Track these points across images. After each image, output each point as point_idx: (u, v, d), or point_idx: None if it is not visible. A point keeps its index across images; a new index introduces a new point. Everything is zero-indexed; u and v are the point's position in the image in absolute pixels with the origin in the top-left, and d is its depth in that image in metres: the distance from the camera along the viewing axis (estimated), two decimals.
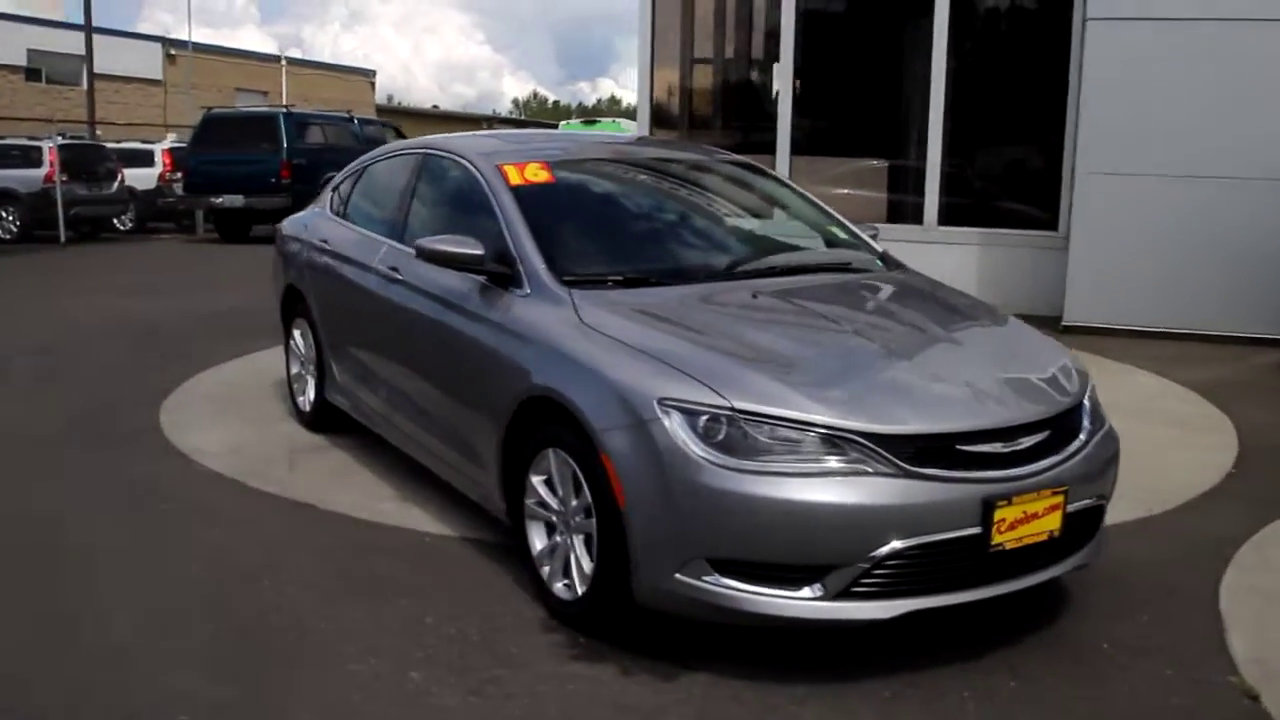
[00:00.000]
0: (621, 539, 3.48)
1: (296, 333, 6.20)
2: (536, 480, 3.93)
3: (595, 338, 3.77)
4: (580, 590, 3.72)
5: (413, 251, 4.71)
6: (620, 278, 4.19)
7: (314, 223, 6.02)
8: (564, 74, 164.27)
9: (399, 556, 4.40)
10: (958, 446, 3.39)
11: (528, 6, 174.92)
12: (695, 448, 3.33)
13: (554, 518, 3.88)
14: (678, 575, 3.38)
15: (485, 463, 4.23)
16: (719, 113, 11.63)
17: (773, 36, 10.60)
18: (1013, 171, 10.42)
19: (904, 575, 3.33)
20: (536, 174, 4.66)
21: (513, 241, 4.28)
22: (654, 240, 4.70)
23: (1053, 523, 3.52)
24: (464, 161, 4.85)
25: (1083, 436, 3.71)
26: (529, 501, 3.98)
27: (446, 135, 5.54)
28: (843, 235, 4.99)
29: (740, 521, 3.29)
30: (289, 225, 6.46)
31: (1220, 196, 8.56)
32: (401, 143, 5.94)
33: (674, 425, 3.37)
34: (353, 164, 6.18)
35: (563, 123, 29.38)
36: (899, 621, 3.36)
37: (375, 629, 3.77)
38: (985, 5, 10.59)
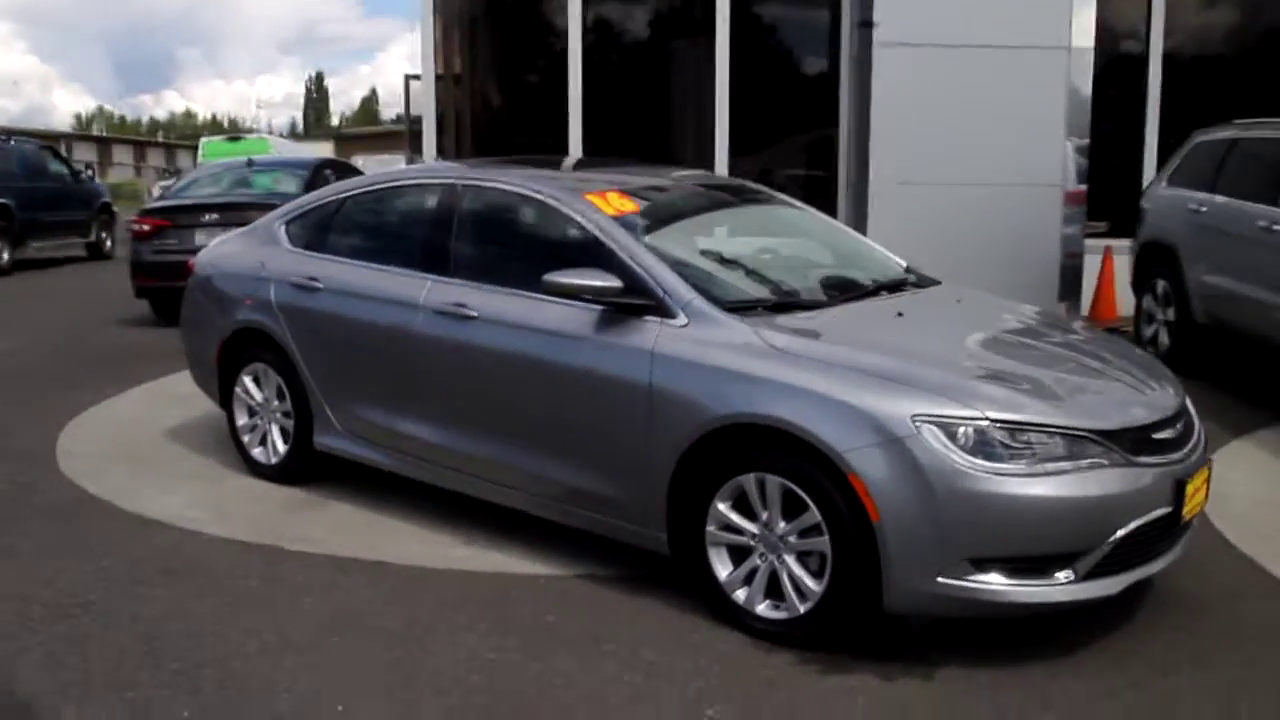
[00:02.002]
0: (871, 551, 3.63)
1: (248, 379, 5.64)
2: (724, 507, 3.96)
3: (801, 361, 3.87)
4: (802, 608, 3.81)
5: (490, 288, 4.59)
6: (771, 302, 4.30)
7: (276, 259, 5.49)
8: (122, 86, 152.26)
9: (544, 603, 4.21)
10: (1153, 436, 3.85)
11: (74, 14, 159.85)
12: (957, 458, 3.55)
13: (750, 542, 3.93)
14: (940, 578, 3.59)
15: (633, 495, 4.18)
16: (502, 130, 11.53)
17: (562, 53, 10.71)
18: (793, 184, 11.21)
19: (1127, 553, 3.74)
20: (624, 204, 4.63)
21: (647, 272, 4.24)
22: (762, 264, 4.80)
23: (1204, 495, 4.08)
24: (537, 195, 4.71)
25: (1196, 420, 4.29)
26: (711, 529, 4.00)
27: (466, 166, 5.30)
28: (877, 252, 5.31)
29: (1002, 521, 3.56)
30: (224, 263, 5.84)
31: (994, 202, 9.71)
32: (395, 174, 5.58)
33: (932, 439, 3.57)
34: (310, 196, 5.71)
35: (203, 141, 27.48)
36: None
37: (608, 677, 3.65)
38: (762, 26, 11.29)
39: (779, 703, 3.49)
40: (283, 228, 5.64)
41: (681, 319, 4.12)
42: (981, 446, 3.58)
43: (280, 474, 5.57)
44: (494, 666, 3.70)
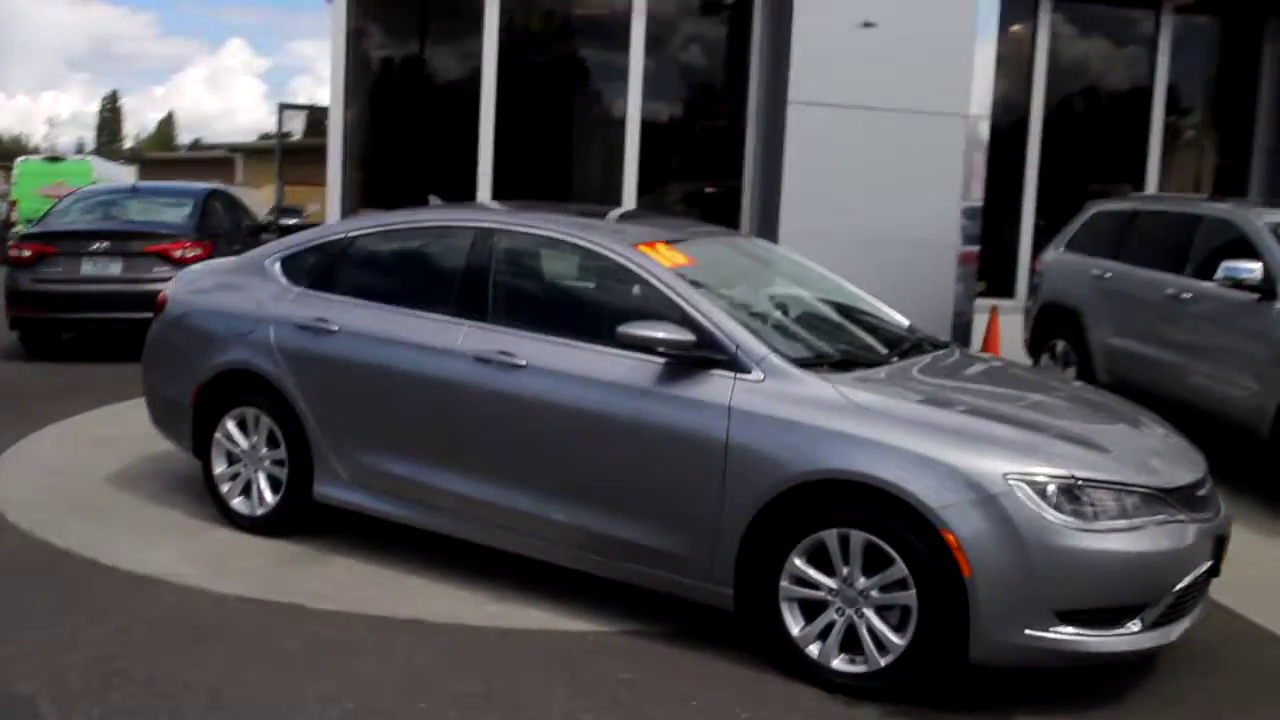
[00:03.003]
0: (960, 605, 3.76)
1: (231, 424, 5.35)
2: (800, 562, 4.02)
3: (886, 419, 3.98)
4: (883, 661, 3.90)
5: (538, 336, 4.54)
6: (833, 359, 4.41)
7: (275, 298, 5.24)
8: None
9: (609, 660, 4.16)
10: (1197, 493, 4.14)
11: None
12: (1049, 514, 3.73)
13: (826, 596, 4.00)
14: (1027, 630, 3.75)
15: (699, 550, 4.18)
16: (405, 160, 11.25)
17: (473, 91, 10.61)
18: None
19: (1179, 604, 3.99)
20: (675, 256, 4.66)
21: (717, 326, 4.28)
22: (804, 320, 4.89)
23: (1226, 551, 4.39)
24: (587, 244, 4.68)
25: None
26: (785, 584, 4.05)
27: (503, 210, 5.19)
28: (879, 308, 5.49)
29: (1087, 575, 3.76)
30: (204, 300, 5.53)
31: (900, 259, 10.15)
32: (415, 214, 5.38)
33: (1024, 496, 3.74)
34: (309, 234, 5.48)
35: (19, 161, 25.66)
36: None
37: None
38: (674, 77, 11.48)
39: None
40: (277, 265, 5.39)
41: (757, 374, 4.17)
42: (1068, 503, 3.77)
43: (264, 526, 5.30)
44: None
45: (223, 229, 10.74)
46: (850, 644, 3.99)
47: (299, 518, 5.26)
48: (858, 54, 9.98)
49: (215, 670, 3.91)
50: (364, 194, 10.75)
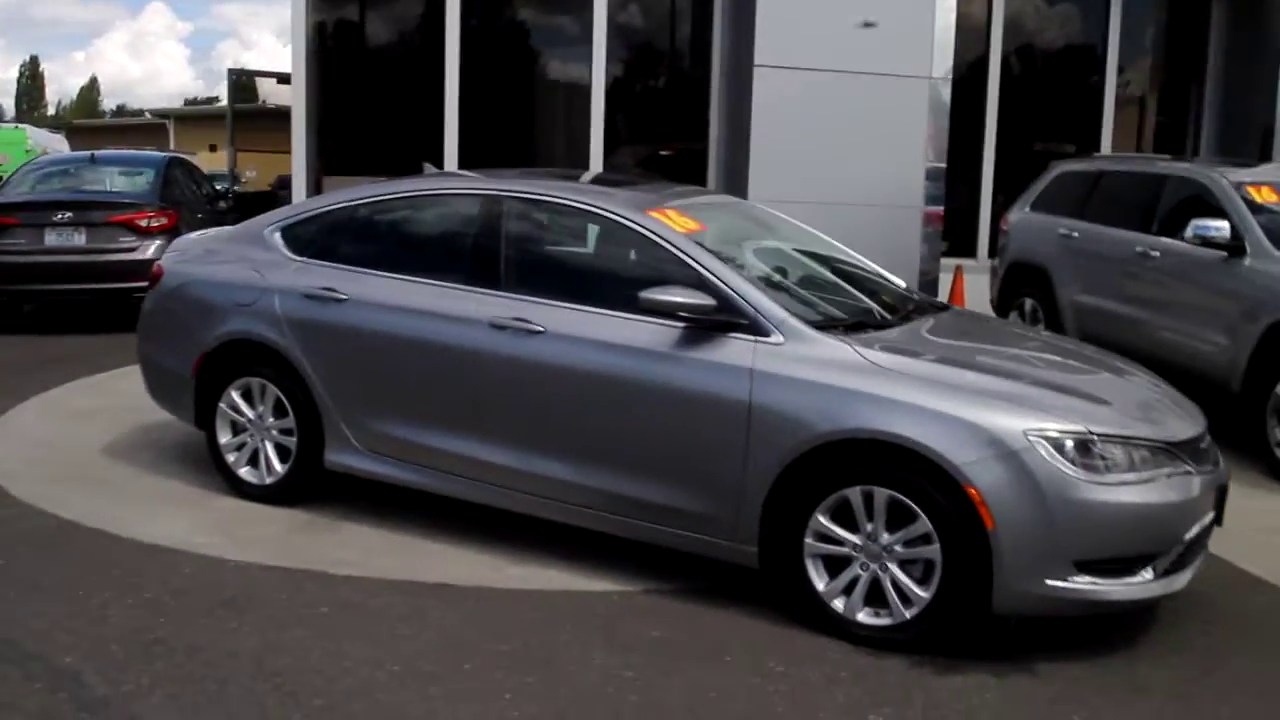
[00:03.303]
0: (983, 557, 3.90)
1: (235, 394, 5.32)
2: (824, 519, 4.14)
3: (908, 379, 4.09)
4: (908, 614, 4.04)
5: (554, 303, 4.58)
6: (847, 321, 4.51)
7: (278, 267, 5.21)
8: None
9: (637, 618, 4.25)
10: (1199, 446, 4.31)
11: None
12: (1067, 469, 3.87)
13: (850, 552, 4.12)
14: (1048, 580, 3.90)
15: (722, 510, 4.28)
16: (368, 128, 11.13)
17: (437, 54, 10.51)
18: None
19: (1186, 554, 4.17)
20: (687, 222, 4.72)
21: (736, 291, 4.35)
22: (813, 284, 4.97)
23: (1226, 502, 4.57)
24: (601, 210, 4.72)
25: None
26: (809, 540, 4.17)
27: (509, 177, 5.18)
28: (866, 269, 5.58)
29: (1105, 526, 3.92)
30: (201, 270, 5.48)
31: (866, 220, 10.26)
32: (424, 182, 5.35)
33: (1043, 452, 3.88)
34: (310, 202, 5.44)
35: None
36: None
37: (755, 688, 3.76)
38: (637, 41, 11.46)
39: (926, 703, 3.70)
40: (277, 234, 5.36)
41: (778, 337, 4.26)
42: (1084, 458, 3.91)
43: (273, 495, 5.30)
44: (640, 685, 3.73)
45: (185, 197, 10.57)
46: (874, 598, 4.12)
47: (309, 486, 5.27)
48: (822, 17, 10.07)
49: (253, 638, 3.94)
50: (324, 161, 10.65)
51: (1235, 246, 7.02)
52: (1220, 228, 7.07)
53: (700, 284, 4.39)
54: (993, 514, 3.87)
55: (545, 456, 4.64)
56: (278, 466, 5.29)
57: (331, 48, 10.42)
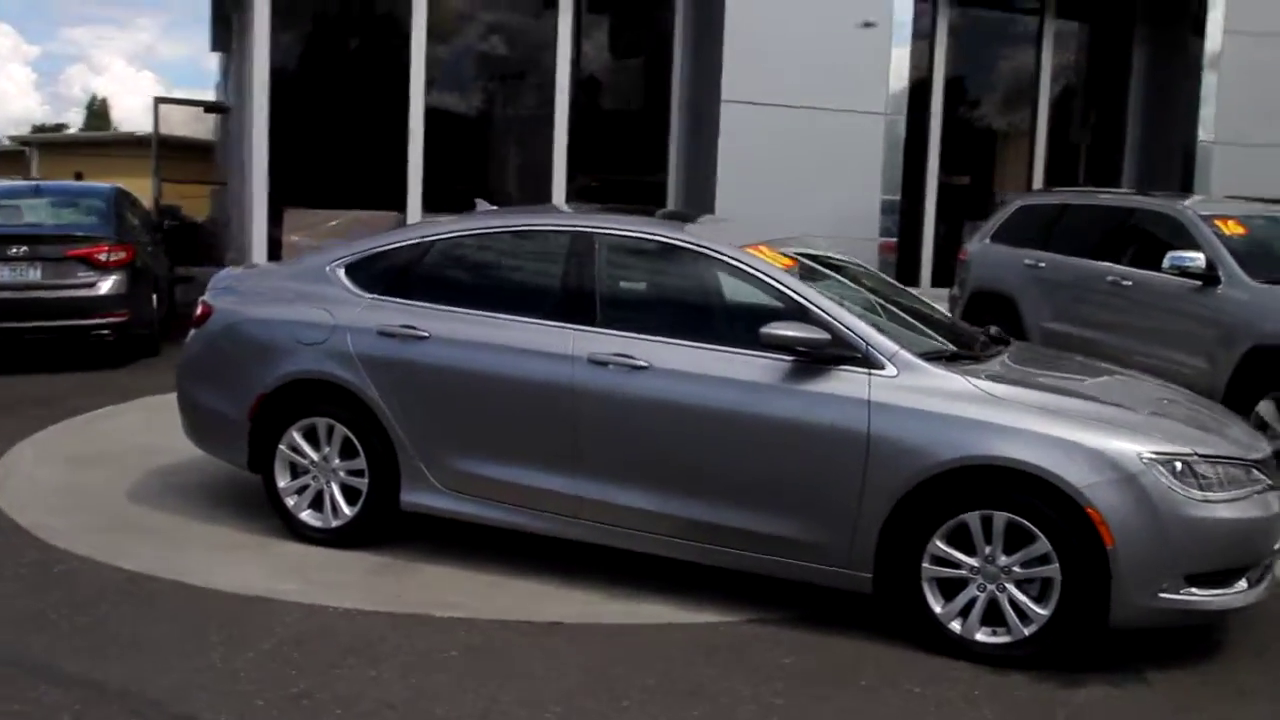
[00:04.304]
0: (1101, 575, 4.09)
1: (297, 435, 5.20)
2: (942, 544, 4.28)
3: (1023, 407, 4.28)
4: (1027, 631, 4.20)
5: (657, 339, 4.65)
6: (949, 353, 4.66)
7: (347, 305, 5.12)
8: None
9: (762, 648, 4.32)
10: (1271, 465, 4.60)
11: None
12: (1178, 488, 4.11)
13: (967, 574, 4.27)
14: (1162, 594, 4.12)
15: (837, 539, 4.38)
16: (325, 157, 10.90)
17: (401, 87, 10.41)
18: None
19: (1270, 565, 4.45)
20: (780, 258, 4.83)
21: (845, 325, 4.47)
22: (898, 318, 5.10)
23: None
24: (698, 247, 4.81)
25: None
26: (927, 565, 4.30)
27: (585, 214, 5.20)
28: (929, 304, 5.77)
29: (1210, 541, 4.17)
30: (258, 308, 5.34)
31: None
32: (502, 220, 5.31)
33: (1160, 474, 4.10)
34: (378, 240, 5.34)
35: None
36: None
37: (908, 710, 3.88)
38: (600, 76, 11.55)
39: (1069, 716, 3.86)
40: (341, 271, 5.27)
41: (891, 369, 4.39)
42: (1191, 478, 4.15)
43: (339, 538, 5.18)
44: (796, 713, 3.80)
45: (134, 229, 10.20)
46: (989, 618, 4.28)
47: (378, 528, 5.17)
48: (785, 54, 10.36)
49: (399, 687, 3.86)
50: (283, 192, 10.43)
51: (1210, 276, 7.48)
52: (1195, 258, 7.52)
53: (809, 319, 4.50)
54: (1112, 533, 4.07)
55: (647, 490, 4.67)
56: (345, 509, 5.17)
57: (291, 77, 10.23)
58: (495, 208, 6.07)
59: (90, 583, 4.71)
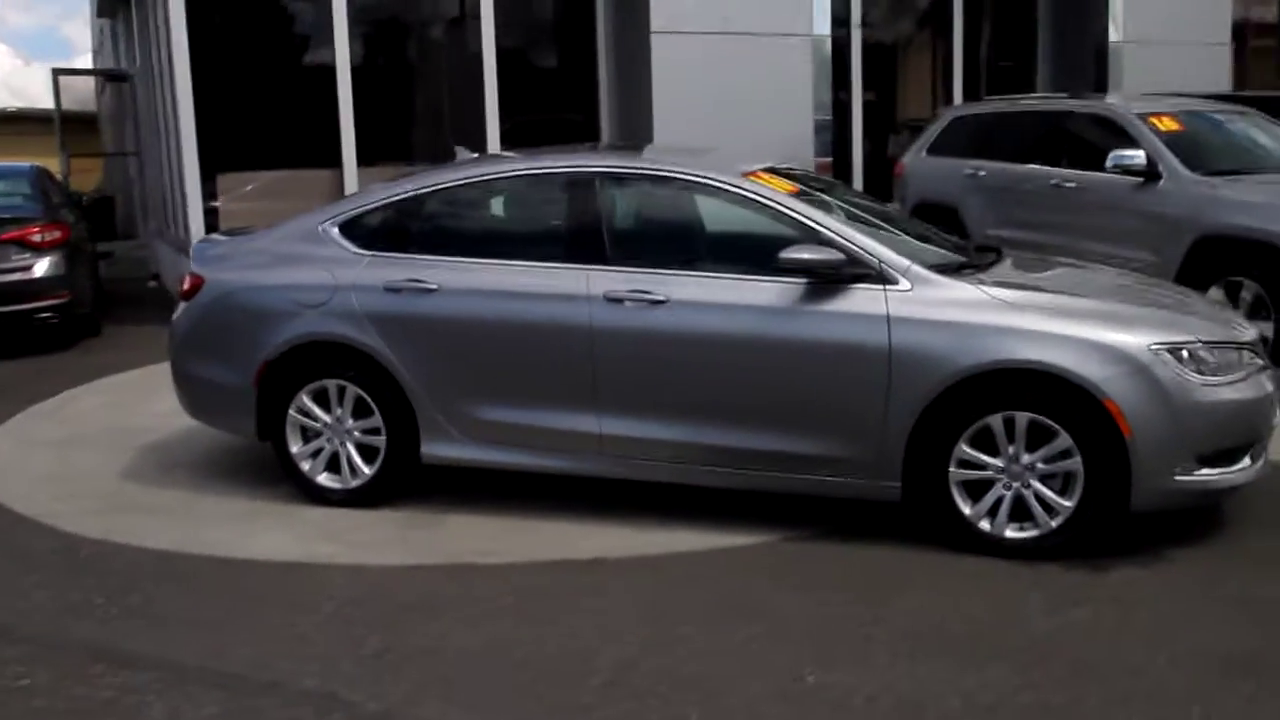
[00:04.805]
0: (1122, 463, 4.31)
1: (307, 399, 5.15)
2: (967, 448, 4.45)
3: (1034, 311, 4.45)
4: (1053, 523, 4.41)
5: (672, 272, 4.71)
6: (954, 264, 4.80)
7: (347, 264, 5.06)
8: None
9: (805, 565, 4.47)
10: (1260, 348, 4.86)
11: None
12: (1189, 375, 4.33)
13: (993, 475, 4.45)
14: (1176, 476, 4.36)
15: (865, 452, 4.52)
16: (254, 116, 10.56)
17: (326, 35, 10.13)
18: None
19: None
20: (784, 183, 4.92)
21: (857, 245, 4.58)
22: (911, 230, 5.20)
23: None
24: (700, 178, 4.86)
25: None
26: (954, 469, 4.48)
27: (577, 155, 5.18)
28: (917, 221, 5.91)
29: (1218, 422, 4.41)
30: (252, 275, 5.24)
31: None
32: (496, 167, 5.26)
33: (1168, 362, 4.32)
34: (366, 196, 5.26)
35: None
36: None
37: (962, 605, 4.06)
38: (526, 13, 11.36)
39: (1114, 596, 4.11)
40: (335, 230, 5.20)
41: (905, 284, 4.52)
42: (1197, 364, 4.38)
43: (359, 497, 5.18)
44: (869, 617, 3.97)
45: (60, 208, 9.85)
46: (1015, 514, 4.48)
47: (398, 484, 5.18)
48: None
49: (472, 634, 3.92)
50: (215, 157, 10.10)
51: (1151, 172, 7.77)
52: (1136, 156, 7.80)
53: (821, 241, 4.60)
54: (1129, 422, 4.28)
55: (671, 422, 4.75)
56: (364, 468, 5.16)
57: (211, 38, 9.88)
58: (476, 155, 6.03)
59: (120, 565, 4.65)
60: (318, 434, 5.21)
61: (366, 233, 5.19)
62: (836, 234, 4.63)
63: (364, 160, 10.25)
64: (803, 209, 4.72)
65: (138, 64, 12.99)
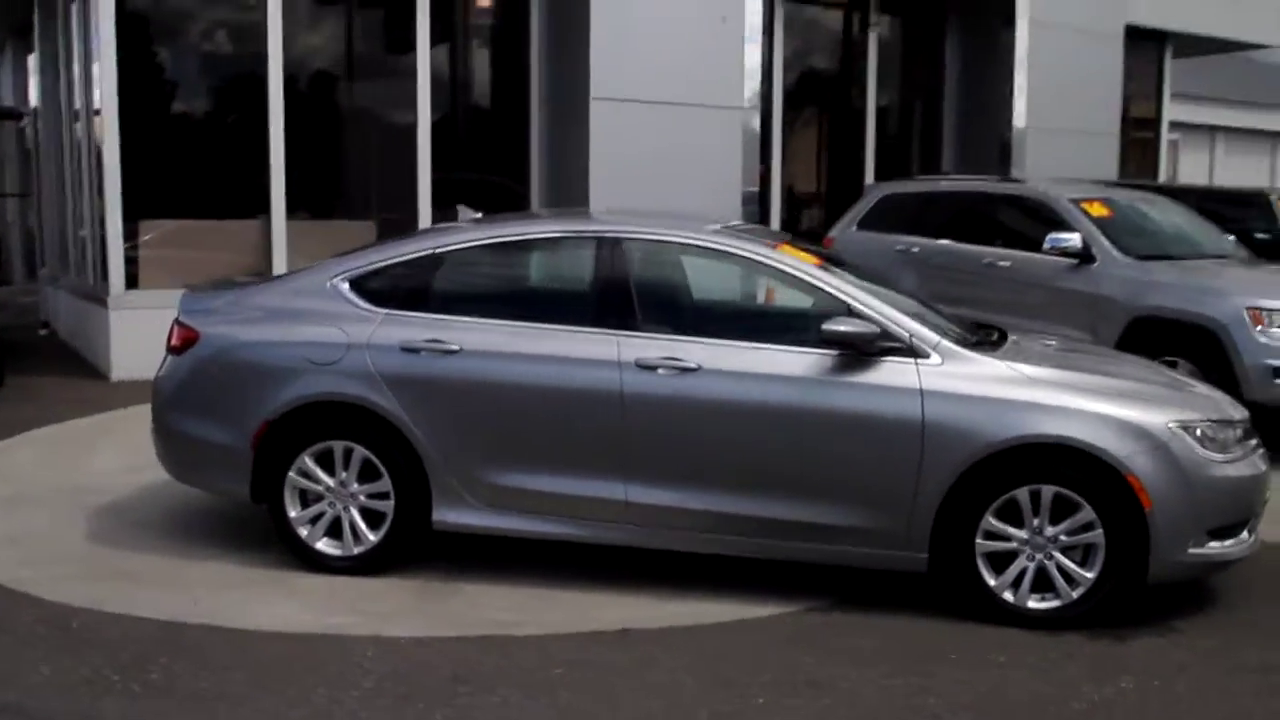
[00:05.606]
0: (1141, 536, 4.49)
1: (310, 461, 4.95)
2: (993, 520, 4.57)
3: (1059, 388, 4.61)
4: (1075, 594, 4.55)
5: (703, 340, 4.73)
6: (972, 340, 4.93)
7: (360, 322, 4.91)
8: None
9: (836, 637, 4.49)
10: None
11: None
12: (1203, 452, 4.55)
13: (1016, 546, 4.58)
14: (1190, 549, 4.55)
15: (894, 523, 4.59)
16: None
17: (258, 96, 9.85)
18: None
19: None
20: (809, 257, 4.99)
21: (888, 318, 4.68)
22: (929, 307, 5.32)
23: None
24: (733, 249, 4.91)
25: None
26: (980, 541, 4.58)
27: (607, 220, 5.15)
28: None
29: (1227, 497, 4.65)
30: (256, 331, 5.02)
31: None
32: (521, 228, 5.16)
33: (1185, 440, 4.53)
34: (381, 252, 5.11)
35: None
36: None
37: (1010, 679, 4.15)
38: (459, 75, 11.28)
39: (1142, 668, 4.23)
40: (346, 286, 5.05)
41: (936, 358, 4.64)
42: (1207, 441, 4.60)
43: (362, 565, 4.98)
44: (915, 690, 3.99)
45: None
46: (1037, 585, 4.60)
47: (405, 550, 5.01)
48: (649, 51, 10.51)
49: (537, 708, 3.80)
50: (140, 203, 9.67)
51: (1085, 254, 8.18)
52: (1072, 239, 8.21)
53: (853, 314, 4.68)
54: (1150, 497, 4.46)
55: (700, 491, 4.74)
56: (369, 534, 4.97)
57: (140, 80, 9.52)
58: (480, 214, 5.95)
59: (120, 637, 4.33)
60: (318, 498, 5.00)
61: (379, 290, 5.05)
62: (868, 307, 4.73)
63: (293, 211, 9.98)
64: (834, 282, 4.81)
65: (39, 101, 12.41)
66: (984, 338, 5.11)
